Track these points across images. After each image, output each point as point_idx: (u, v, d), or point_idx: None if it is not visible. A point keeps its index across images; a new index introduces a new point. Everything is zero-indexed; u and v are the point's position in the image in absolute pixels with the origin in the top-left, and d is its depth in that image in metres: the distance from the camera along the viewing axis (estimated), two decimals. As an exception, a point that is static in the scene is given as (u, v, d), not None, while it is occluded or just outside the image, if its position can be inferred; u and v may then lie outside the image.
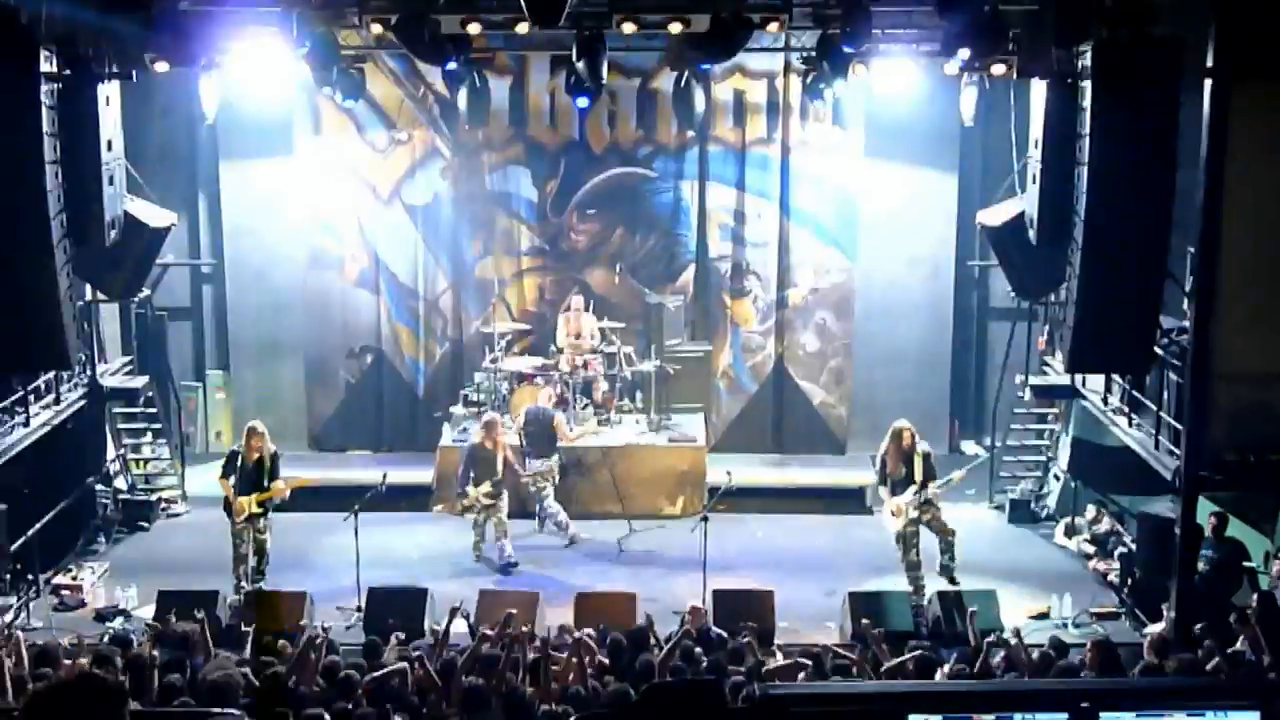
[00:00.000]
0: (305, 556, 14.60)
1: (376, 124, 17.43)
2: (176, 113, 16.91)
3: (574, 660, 10.00)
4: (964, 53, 13.18)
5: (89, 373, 15.24)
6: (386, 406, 18.03)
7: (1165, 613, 12.51)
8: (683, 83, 15.80)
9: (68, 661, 10.20)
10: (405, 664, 9.75)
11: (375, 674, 9.63)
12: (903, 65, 14.71)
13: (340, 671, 9.68)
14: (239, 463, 13.50)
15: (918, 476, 13.58)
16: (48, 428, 14.21)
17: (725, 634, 11.34)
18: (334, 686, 9.46)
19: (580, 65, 13.67)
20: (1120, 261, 12.32)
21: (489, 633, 10.52)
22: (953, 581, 13.67)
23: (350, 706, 9.02)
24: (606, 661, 10.50)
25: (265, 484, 13.50)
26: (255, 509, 13.43)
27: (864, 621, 11.77)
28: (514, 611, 10.95)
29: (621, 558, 14.90)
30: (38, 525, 13.80)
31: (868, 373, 18.03)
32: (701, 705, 5.45)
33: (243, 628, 12.29)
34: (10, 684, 9.20)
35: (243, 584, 13.40)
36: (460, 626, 11.09)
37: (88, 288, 15.05)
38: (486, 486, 14.35)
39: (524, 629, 11.02)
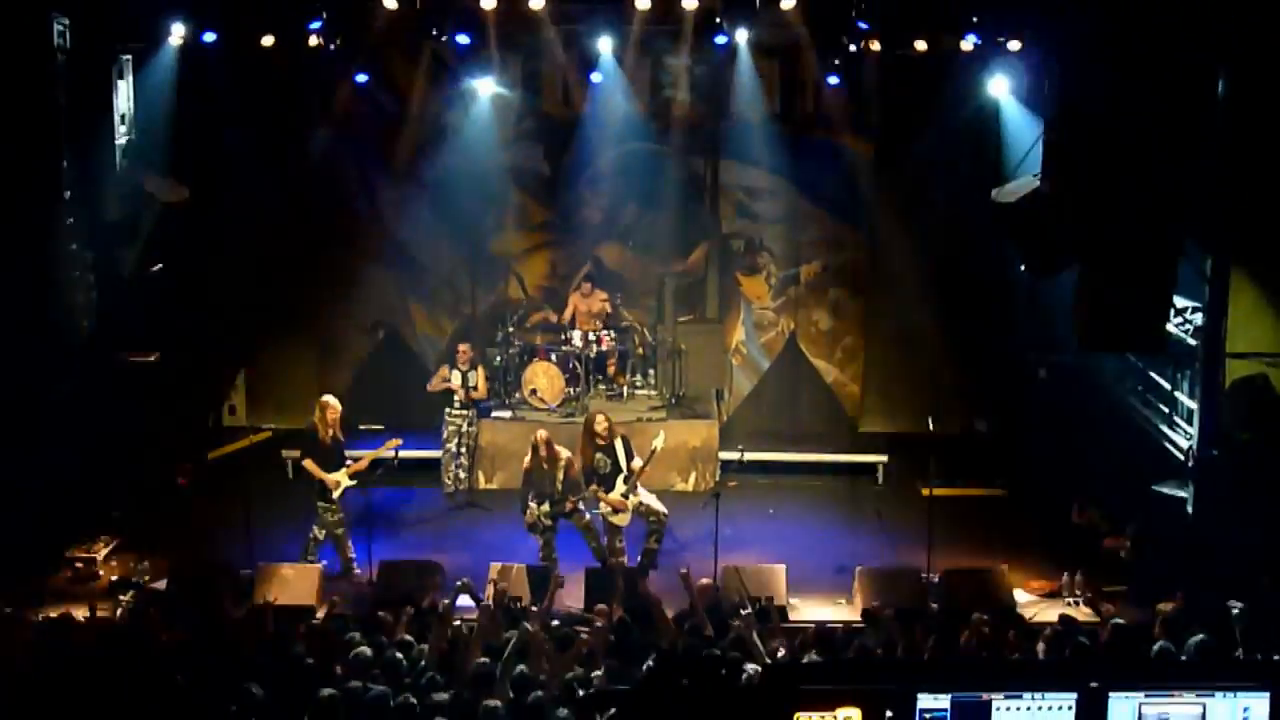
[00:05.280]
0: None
1: (389, 98, 17.33)
2: (188, 84, 16.80)
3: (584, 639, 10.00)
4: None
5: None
6: (398, 382, 17.98)
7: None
8: (697, 58, 15.70)
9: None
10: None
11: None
12: (919, 41, 14.64)
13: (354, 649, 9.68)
14: (316, 441, 13.59)
15: (624, 464, 13.54)
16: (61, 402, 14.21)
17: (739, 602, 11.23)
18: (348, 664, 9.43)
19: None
20: (1133, 239, 12.20)
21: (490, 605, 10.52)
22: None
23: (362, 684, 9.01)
24: (613, 639, 10.48)
25: (344, 459, 13.60)
26: (349, 482, 13.52)
27: (874, 602, 11.78)
28: (503, 584, 10.93)
29: (630, 534, 14.86)
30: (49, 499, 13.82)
31: (880, 350, 17.98)
32: (709, 681, 5.46)
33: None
34: None
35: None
36: (468, 600, 11.10)
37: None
38: (546, 506, 13.55)
39: (534, 607, 11.00)
